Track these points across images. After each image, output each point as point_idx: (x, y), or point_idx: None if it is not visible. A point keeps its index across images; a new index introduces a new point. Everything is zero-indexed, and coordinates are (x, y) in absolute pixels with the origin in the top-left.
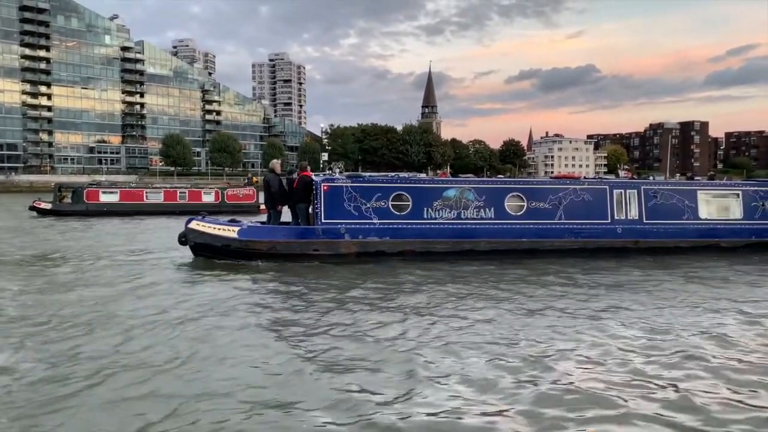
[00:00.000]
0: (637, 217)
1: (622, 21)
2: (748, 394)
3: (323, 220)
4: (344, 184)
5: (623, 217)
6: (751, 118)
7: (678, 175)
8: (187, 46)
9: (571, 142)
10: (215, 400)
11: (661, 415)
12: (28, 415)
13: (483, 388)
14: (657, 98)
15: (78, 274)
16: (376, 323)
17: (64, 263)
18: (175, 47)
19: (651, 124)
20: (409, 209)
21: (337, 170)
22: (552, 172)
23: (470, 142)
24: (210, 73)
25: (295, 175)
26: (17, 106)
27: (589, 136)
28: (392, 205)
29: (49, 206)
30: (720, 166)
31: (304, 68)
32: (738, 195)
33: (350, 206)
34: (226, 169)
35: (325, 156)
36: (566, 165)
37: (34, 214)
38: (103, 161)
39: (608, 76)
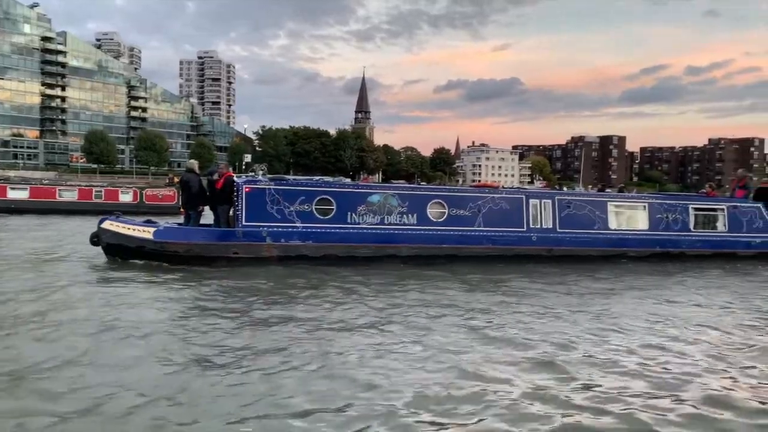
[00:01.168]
0: (551, 226)
1: (545, 36)
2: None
3: (244, 223)
4: (267, 187)
5: (538, 226)
6: (662, 134)
7: (590, 186)
8: (112, 39)
9: (497, 152)
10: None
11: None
12: None
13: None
14: (576, 112)
15: None
16: (284, 324)
17: None
18: (98, 40)
19: (572, 137)
20: (333, 213)
21: (260, 172)
22: (479, 180)
23: (402, 148)
24: (135, 69)
25: (216, 176)
26: None
27: (515, 147)
28: (316, 209)
29: None
30: (635, 179)
31: (233, 67)
32: (645, 207)
33: (273, 209)
34: (152, 168)
35: (248, 157)
36: (493, 174)
37: None
38: (19, 156)
39: (531, 89)
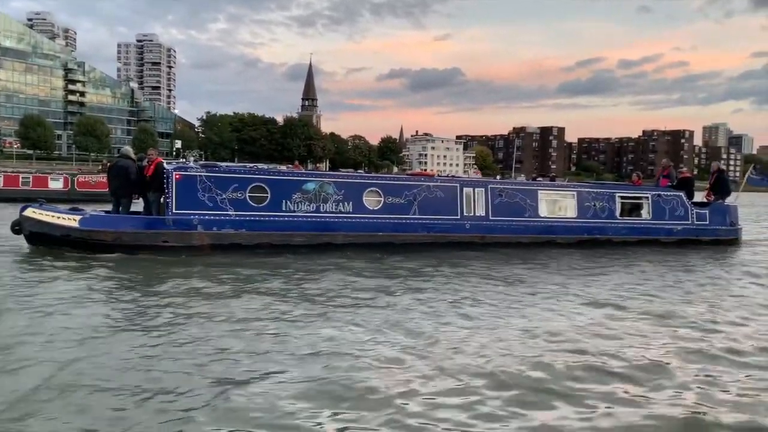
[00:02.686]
0: (483, 214)
1: (485, 28)
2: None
3: (174, 211)
4: (198, 174)
5: (471, 214)
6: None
7: (521, 175)
8: (45, 20)
9: (442, 141)
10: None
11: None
12: None
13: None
14: (515, 103)
15: None
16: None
17: None
18: (30, 20)
19: (514, 128)
20: (267, 201)
21: (192, 159)
22: (425, 169)
23: (350, 137)
24: (71, 51)
25: (146, 162)
26: None
27: (459, 137)
28: (250, 196)
29: None
30: (573, 168)
31: (174, 51)
32: (573, 195)
33: (204, 196)
34: (93, 154)
35: (178, 143)
36: (438, 163)
37: None
38: None
39: (472, 80)
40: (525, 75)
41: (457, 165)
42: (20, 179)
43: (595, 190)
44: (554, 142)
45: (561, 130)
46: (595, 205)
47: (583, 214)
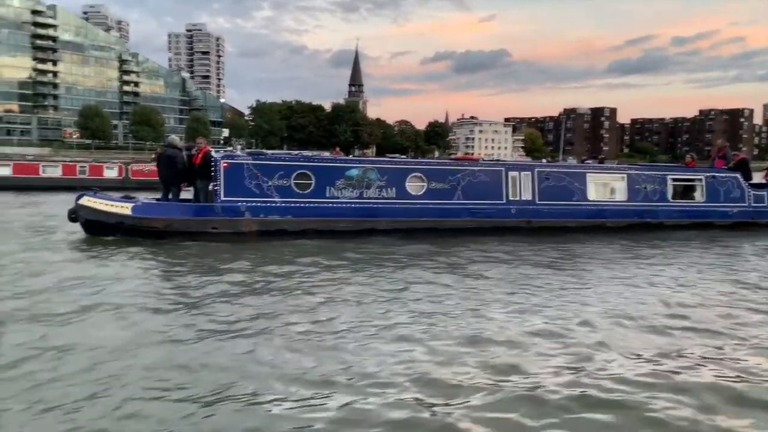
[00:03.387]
0: (530, 198)
1: (531, 8)
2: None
3: (223, 198)
4: (245, 162)
5: (517, 198)
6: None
7: (570, 158)
8: (99, 12)
9: (490, 124)
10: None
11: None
12: None
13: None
14: (562, 83)
15: None
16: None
17: None
18: (85, 13)
19: (565, 109)
20: (311, 188)
21: (239, 147)
22: (473, 153)
23: (396, 122)
24: (125, 43)
25: (194, 151)
26: None
27: (507, 119)
28: (295, 183)
29: None
30: (626, 150)
31: (222, 40)
32: (623, 178)
33: (251, 184)
34: (149, 143)
35: (225, 132)
36: (486, 147)
37: None
38: (12, 132)
39: (518, 61)
40: (572, 55)
41: (506, 148)
42: (77, 168)
43: (646, 172)
44: (606, 123)
45: (613, 111)
46: (646, 188)
47: (634, 196)
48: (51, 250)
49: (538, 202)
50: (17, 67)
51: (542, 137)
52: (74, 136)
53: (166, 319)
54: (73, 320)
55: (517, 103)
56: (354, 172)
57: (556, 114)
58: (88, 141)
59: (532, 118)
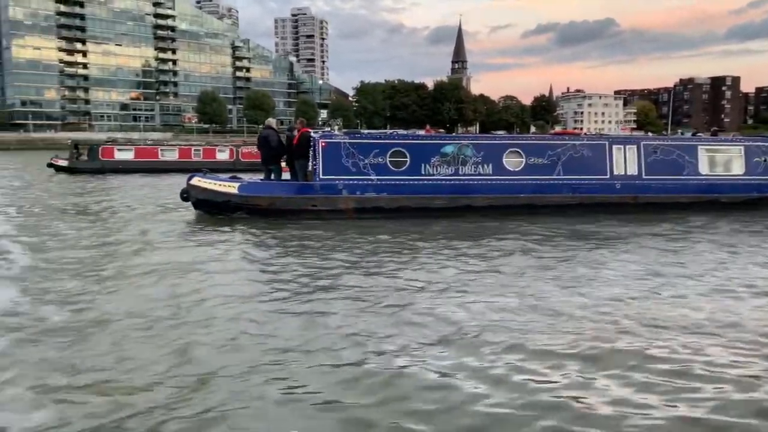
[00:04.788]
0: (636, 173)
1: None
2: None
3: (321, 176)
4: (342, 141)
5: (622, 173)
6: None
7: (683, 131)
8: (211, 1)
9: (600, 97)
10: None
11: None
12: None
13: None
14: (674, 52)
15: (89, 229)
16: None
17: (78, 218)
18: (198, 2)
19: (681, 79)
20: (406, 165)
21: (336, 127)
22: (582, 128)
23: (501, 98)
24: (236, 30)
25: (294, 132)
26: (54, 63)
27: (617, 92)
28: (390, 161)
29: (65, 163)
30: (750, 121)
31: (326, 23)
32: (740, 150)
33: (348, 162)
34: (260, 126)
35: (323, 113)
36: (596, 121)
37: (52, 171)
38: (138, 118)
39: (626, 30)
40: (686, 21)
41: (617, 122)
42: (192, 151)
43: (766, 144)
44: (727, 93)
45: (735, 80)
46: (765, 161)
47: (753, 170)
48: (165, 226)
49: (644, 176)
50: (140, 57)
51: (656, 110)
52: (193, 121)
53: (285, 294)
54: (189, 295)
55: (624, 74)
56: (449, 149)
57: (670, 85)
58: (206, 125)
59: (644, 90)
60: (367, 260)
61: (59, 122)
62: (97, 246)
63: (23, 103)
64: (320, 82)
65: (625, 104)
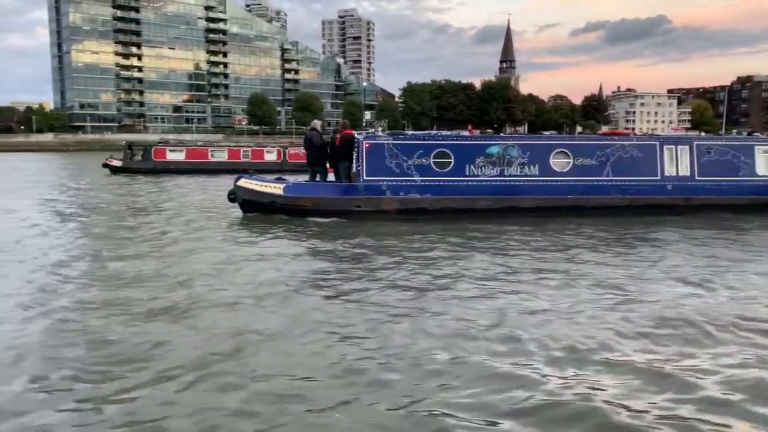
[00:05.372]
0: (688, 174)
1: None
2: None
3: (365, 177)
4: (386, 142)
5: (674, 174)
6: None
7: (734, 131)
8: (260, 4)
9: (653, 96)
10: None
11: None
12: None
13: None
14: (730, 49)
15: (139, 230)
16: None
17: (129, 218)
18: (247, 5)
19: (739, 77)
20: (450, 166)
21: (380, 128)
22: (633, 129)
23: (550, 97)
24: (284, 32)
25: (337, 134)
26: (111, 67)
27: (670, 91)
28: (434, 162)
29: (119, 164)
30: None
31: (373, 24)
32: None
33: (392, 163)
34: (307, 128)
35: (368, 115)
36: (648, 121)
37: (107, 171)
38: (190, 120)
39: (679, 27)
40: (742, 17)
41: (671, 122)
42: (241, 153)
43: None
44: None
45: None
46: None
47: None
48: (213, 226)
49: (697, 177)
50: (192, 60)
51: (712, 109)
52: (243, 123)
53: (333, 292)
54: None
55: (677, 72)
56: (494, 150)
57: (727, 83)
58: (256, 127)
59: (700, 88)
60: (460, 262)
61: (115, 124)
62: (154, 240)
63: (81, 106)
64: (365, 83)
65: (679, 103)
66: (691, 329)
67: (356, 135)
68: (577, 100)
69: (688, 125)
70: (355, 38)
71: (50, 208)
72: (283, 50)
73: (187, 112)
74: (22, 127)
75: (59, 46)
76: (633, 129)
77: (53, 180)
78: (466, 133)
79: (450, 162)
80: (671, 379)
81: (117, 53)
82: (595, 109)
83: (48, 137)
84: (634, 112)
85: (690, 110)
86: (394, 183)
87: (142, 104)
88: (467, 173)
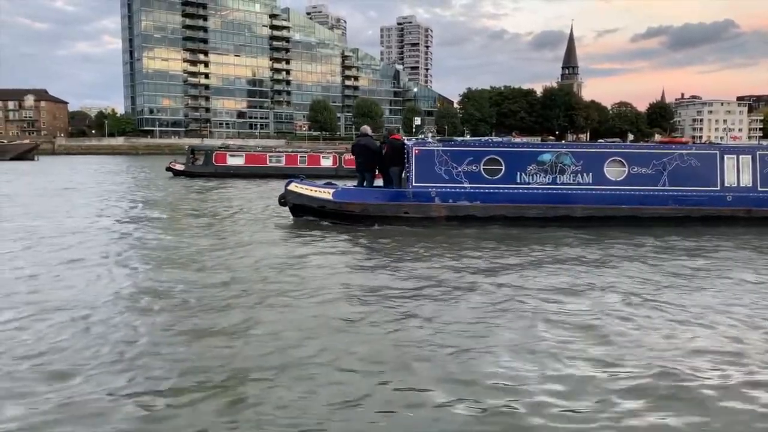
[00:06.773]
0: (750, 185)
1: None
2: None
3: (414, 184)
4: (435, 148)
5: (735, 185)
6: None
7: None
8: (320, 12)
9: (722, 104)
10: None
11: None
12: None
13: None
14: None
15: (195, 229)
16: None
17: (190, 218)
18: (309, 13)
19: None
20: (501, 173)
21: (429, 134)
22: (701, 137)
23: (614, 104)
24: (344, 40)
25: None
26: (179, 73)
27: (740, 98)
28: (484, 169)
29: (181, 167)
30: None
31: (431, 31)
32: None
33: (441, 170)
34: None
35: (417, 120)
36: (716, 128)
37: (170, 174)
38: (254, 126)
39: (747, 32)
40: None
41: (740, 130)
42: (298, 158)
43: None
44: None
45: None
46: None
47: None
48: (264, 229)
49: (760, 188)
50: (257, 66)
51: None
52: (304, 128)
53: (382, 300)
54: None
55: (744, 79)
56: (546, 157)
57: None
58: (317, 133)
59: None
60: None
61: (182, 129)
62: (211, 239)
63: (151, 111)
64: (415, 89)
65: (750, 111)
66: None
67: (406, 141)
68: (640, 106)
69: (760, 133)
70: (413, 45)
71: (114, 205)
72: (344, 57)
73: (250, 117)
74: (93, 132)
75: (131, 53)
76: (700, 137)
77: (120, 180)
78: (517, 140)
79: (501, 169)
80: None
81: (185, 60)
82: (660, 116)
83: (119, 141)
84: (701, 120)
85: (762, 118)
86: (443, 189)
87: (207, 110)
88: (518, 181)
